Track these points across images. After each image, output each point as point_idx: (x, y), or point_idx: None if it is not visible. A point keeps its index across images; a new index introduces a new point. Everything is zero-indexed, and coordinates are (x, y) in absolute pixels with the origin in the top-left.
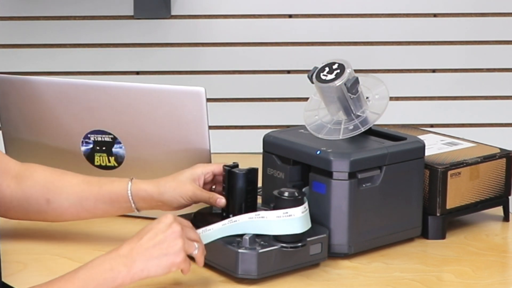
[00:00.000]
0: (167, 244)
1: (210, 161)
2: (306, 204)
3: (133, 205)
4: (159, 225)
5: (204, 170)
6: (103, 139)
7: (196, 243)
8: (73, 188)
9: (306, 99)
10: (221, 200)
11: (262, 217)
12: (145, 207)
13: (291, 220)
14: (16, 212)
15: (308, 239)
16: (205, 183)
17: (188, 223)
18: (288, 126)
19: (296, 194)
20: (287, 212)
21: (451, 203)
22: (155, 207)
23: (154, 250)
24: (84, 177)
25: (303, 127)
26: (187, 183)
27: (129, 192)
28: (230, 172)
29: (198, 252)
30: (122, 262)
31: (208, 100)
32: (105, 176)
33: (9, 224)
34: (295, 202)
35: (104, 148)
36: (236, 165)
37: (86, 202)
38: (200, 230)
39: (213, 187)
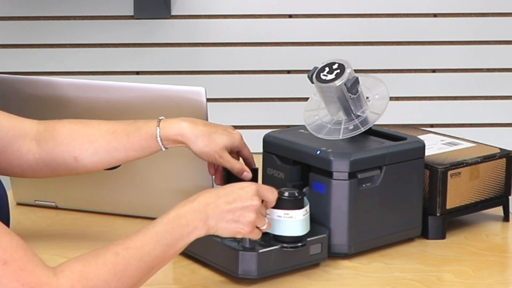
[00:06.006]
0: (240, 213)
1: None
2: (307, 207)
3: (163, 148)
4: (240, 191)
5: (235, 145)
6: None
7: (267, 218)
8: (99, 142)
9: (306, 99)
10: (248, 174)
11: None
12: (172, 146)
13: (292, 222)
14: (45, 172)
15: (308, 239)
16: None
17: (269, 197)
18: (288, 126)
19: (296, 194)
20: (288, 214)
21: (451, 203)
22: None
23: (228, 214)
24: (108, 126)
25: (303, 127)
26: (219, 146)
27: (158, 138)
28: (230, 172)
29: (265, 227)
30: (197, 217)
31: (208, 100)
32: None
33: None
34: (295, 202)
35: None
36: None
37: (116, 153)
38: None
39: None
